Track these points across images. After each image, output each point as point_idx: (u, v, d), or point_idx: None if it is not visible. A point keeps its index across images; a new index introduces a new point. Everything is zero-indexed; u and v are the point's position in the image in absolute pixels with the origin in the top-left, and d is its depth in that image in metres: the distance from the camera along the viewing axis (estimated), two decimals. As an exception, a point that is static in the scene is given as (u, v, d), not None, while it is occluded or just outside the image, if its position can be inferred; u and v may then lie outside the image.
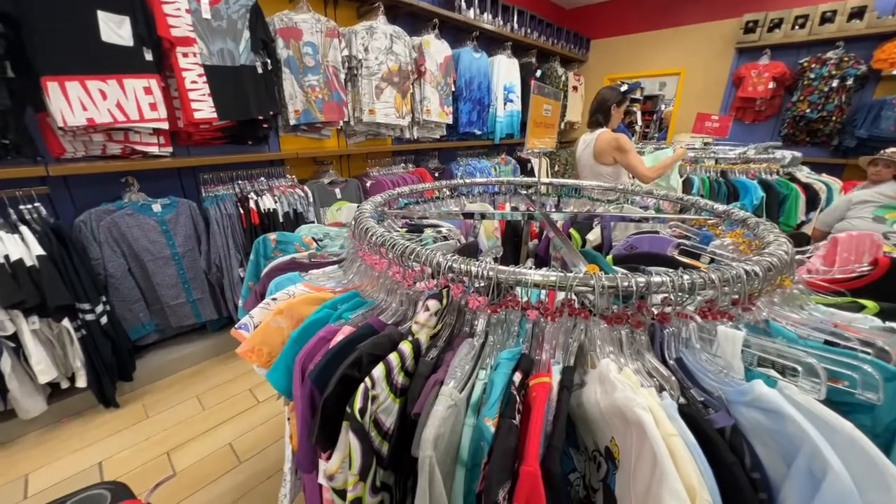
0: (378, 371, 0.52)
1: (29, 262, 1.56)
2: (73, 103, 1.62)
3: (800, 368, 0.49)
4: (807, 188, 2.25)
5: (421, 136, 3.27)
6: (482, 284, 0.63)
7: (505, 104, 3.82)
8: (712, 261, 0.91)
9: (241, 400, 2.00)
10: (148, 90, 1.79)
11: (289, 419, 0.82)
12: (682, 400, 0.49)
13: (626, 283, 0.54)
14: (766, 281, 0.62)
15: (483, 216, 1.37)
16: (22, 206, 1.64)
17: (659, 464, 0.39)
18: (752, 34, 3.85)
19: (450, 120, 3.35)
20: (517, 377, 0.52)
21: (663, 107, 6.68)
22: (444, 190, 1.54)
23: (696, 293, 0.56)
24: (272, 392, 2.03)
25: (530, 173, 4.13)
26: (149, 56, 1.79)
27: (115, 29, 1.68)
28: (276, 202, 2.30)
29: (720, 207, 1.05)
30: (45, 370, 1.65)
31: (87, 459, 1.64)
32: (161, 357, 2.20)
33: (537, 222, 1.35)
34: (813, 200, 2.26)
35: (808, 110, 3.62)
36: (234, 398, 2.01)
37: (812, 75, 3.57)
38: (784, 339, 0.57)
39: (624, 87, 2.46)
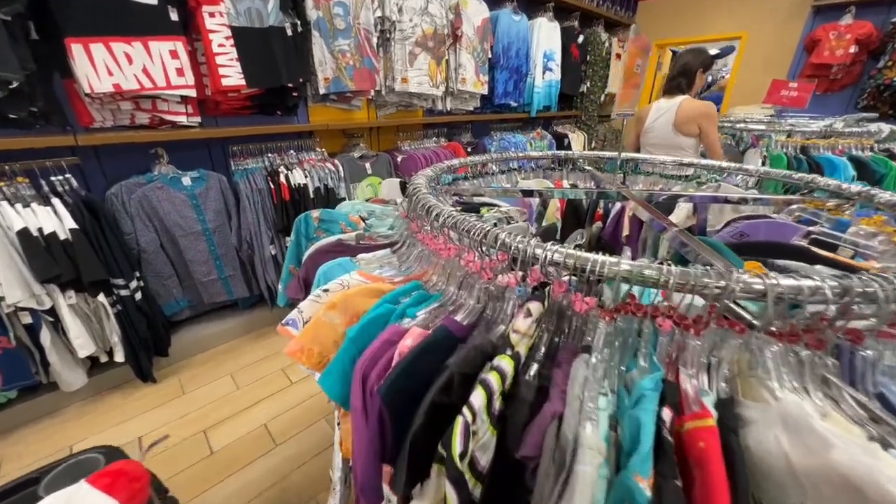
0: (478, 399, 0.39)
1: (63, 236, 1.52)
2: (99, 68, 1.52)
3: None
4: (909, 167, 1.95)
5: (454, 107, 3.06)
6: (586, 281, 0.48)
7: (544, 73, 3.52)
8: (855, 254, 0.73)
9: (274, 379, 1.97)
10: (174, 53, 1.67)
11: (339, 424, 0.73)
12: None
13: (809, 288, 0.39)
14: None
15: (541, 195, 1.21)
16: (53, 178, 1.59)
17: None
18: (834, -11, 3.36)
19: (485, 90, 3.12)
20: (666, 415, 0.38)
21: (719, 76, 6.09)
22: (491, 165, 1.38)
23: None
24: (305, 373, 1.99)
25: (566, 149, 3.86)
26: (174, 16, 1.67)
27: (139, -15, 1.56)
28: (306, 176, 2.19)
29: (853, 188, 0.85)
30: (83, 344, 1.64)
31: (127, 433, 1.65)
32: (195, 333, 2.19)
33: (610, 202, 1.18)
34: (918, 180, 1.96)
35: (895, 78, 3.17)
36: (267, 377, 1.98)
37: (905, 36, 3.09)
38: None
39: (714, 52, 2.14)
